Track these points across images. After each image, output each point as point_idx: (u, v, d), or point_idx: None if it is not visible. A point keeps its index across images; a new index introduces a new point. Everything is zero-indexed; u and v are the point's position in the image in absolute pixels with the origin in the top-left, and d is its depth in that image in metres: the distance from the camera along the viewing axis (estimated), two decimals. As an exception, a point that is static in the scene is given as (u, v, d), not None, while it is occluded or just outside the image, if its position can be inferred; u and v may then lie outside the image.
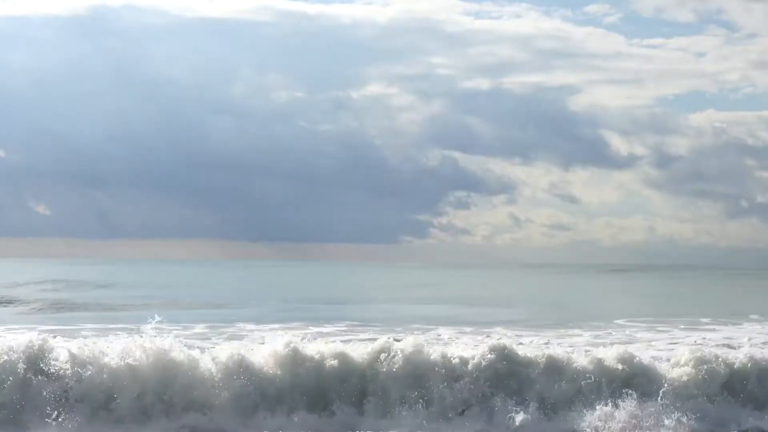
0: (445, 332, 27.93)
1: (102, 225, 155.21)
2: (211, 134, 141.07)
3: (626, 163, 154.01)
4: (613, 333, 29.02)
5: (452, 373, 15.64)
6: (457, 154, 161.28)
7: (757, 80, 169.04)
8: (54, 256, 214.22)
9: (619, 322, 34.39)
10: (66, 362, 15.14)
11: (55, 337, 17.73)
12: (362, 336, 25.82)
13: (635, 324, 33.62)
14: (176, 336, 16.23)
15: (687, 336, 27.69)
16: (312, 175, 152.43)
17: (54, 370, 15.02)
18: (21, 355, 15.05)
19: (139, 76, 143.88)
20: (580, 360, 16.16)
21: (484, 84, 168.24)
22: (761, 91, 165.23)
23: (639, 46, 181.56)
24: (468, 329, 29.44)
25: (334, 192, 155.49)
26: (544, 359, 16.03)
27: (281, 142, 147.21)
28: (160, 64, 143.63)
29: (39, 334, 15.93)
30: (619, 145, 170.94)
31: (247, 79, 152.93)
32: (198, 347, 16.60)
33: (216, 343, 19.52)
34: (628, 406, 15.10)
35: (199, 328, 28.61)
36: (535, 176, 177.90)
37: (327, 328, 29.72)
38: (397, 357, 15.73)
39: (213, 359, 15.58)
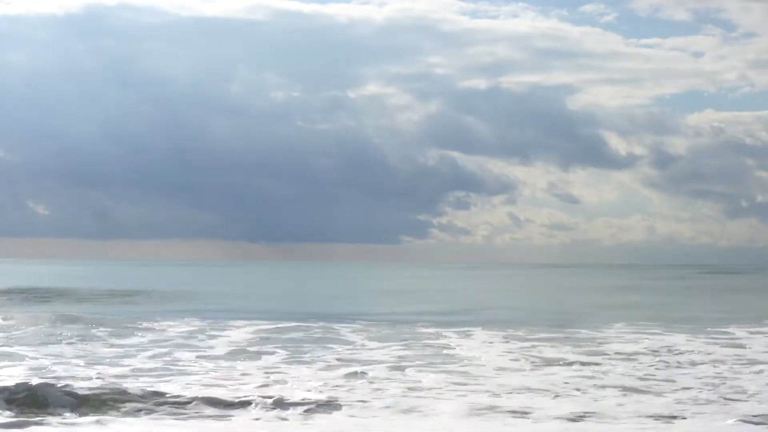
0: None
1: (101, 225, 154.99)
2: (208, 134, 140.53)
3: (625, 163, 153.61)
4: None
5: None
6: (455, 154, 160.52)
7: (755, 80, 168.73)
8: (53, 257, 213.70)
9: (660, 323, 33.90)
10: None
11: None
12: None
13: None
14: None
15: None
16: (311, 175, 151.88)
17: None
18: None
19: (136, 76, 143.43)
20: None
21: (481, 84, 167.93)
22: (759, 90, 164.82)
23: (636, 46, 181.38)
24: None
25: (333, 192, 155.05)
26: None
27: (279, 142, 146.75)
28: (156, 64, 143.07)
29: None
30: (617, 145, 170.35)
31: (243, 79, 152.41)
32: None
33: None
34: None
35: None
36: (534, 176, 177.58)
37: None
38: None
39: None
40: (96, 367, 19.48)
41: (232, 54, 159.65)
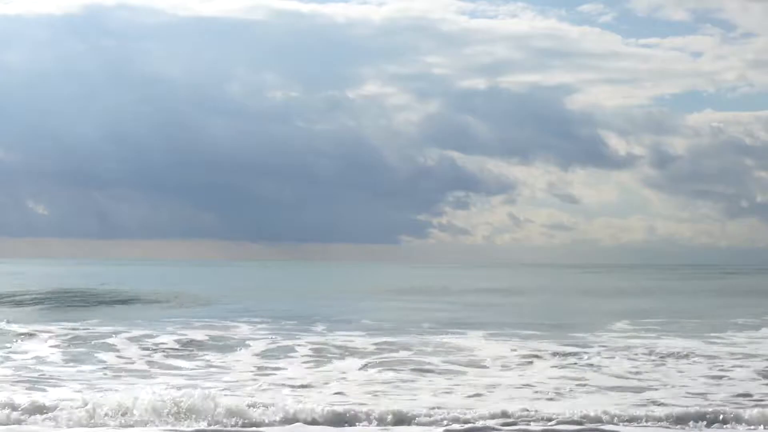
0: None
1: (101, 225, 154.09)
2: (207, 134, 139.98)
3: (625, 163, 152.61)
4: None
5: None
6: (455, 154, 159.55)
7: (754, 80, 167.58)
8: (53, 257, 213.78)
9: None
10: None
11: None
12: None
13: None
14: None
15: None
16: (310, 175, 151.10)
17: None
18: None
19: (135, 76, 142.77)
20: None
21: (480, 83, 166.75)
22: (758, 90, 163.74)
23: (635, 46, 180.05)
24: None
25: (333, 192, 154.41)
26: None
27: (278, 142, 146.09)
28: (155, 64, 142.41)
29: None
30: (617, 145, 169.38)
31: (242, 79, 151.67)
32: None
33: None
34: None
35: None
36: (534, 176, 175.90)
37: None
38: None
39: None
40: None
41: (230, 54, 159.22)
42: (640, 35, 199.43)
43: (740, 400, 16.42)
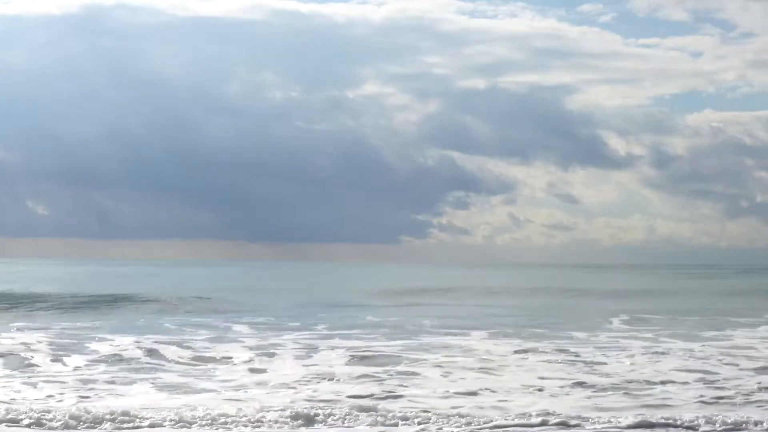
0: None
1: (101, 225, 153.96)
2: (207, 134, 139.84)
3: (624, 162, 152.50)
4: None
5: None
6: (454, 154, 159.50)
7: (754, 80, 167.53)
8: (53, 257, 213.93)
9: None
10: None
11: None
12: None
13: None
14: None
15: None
16: (310, 175, 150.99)
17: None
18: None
19: (134, 76, 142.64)
20: None
21: (480, 83, 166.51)
22: (758, 90, 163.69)
23: (635, 46, 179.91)
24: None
25: (332, 192, 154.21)
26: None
27: (278, 142, 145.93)
28: (154, 63, 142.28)
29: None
30: (617, 144, 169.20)
31: (241, 79, 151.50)
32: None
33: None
34: None
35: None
36: (534, 176, 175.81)
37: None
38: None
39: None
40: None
41: (230, 54, 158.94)
42: (640, 35, 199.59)
43: (739, 400, 16.36)
